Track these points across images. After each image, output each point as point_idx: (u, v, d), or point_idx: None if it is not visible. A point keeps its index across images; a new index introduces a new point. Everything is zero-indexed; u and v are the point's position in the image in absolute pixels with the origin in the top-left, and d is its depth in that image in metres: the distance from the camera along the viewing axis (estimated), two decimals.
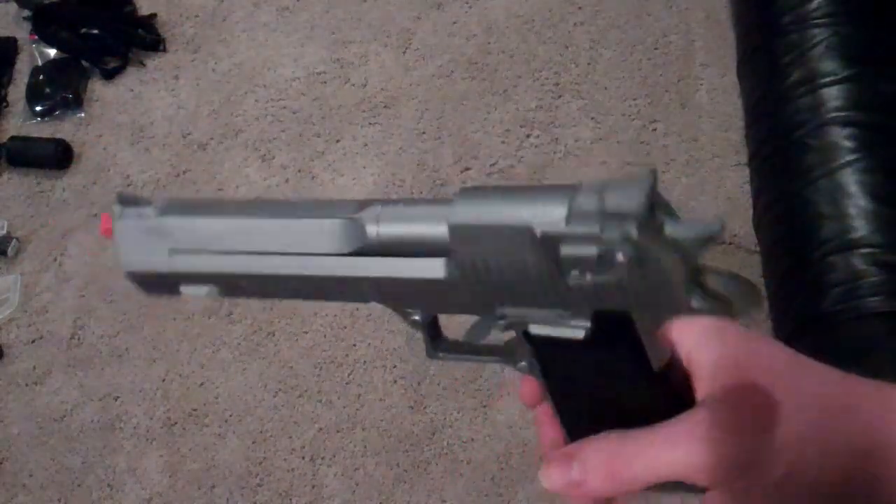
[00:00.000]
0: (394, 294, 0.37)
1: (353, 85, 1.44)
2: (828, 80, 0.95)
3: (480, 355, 0.40)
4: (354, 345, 1.26)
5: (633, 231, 0.30)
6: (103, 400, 1.28)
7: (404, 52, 1.45)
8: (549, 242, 0.31)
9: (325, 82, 1.45)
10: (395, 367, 1.24)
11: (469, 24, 1.45)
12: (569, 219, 0.31)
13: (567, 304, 0.33)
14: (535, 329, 0.35)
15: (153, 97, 1.48)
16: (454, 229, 0.33)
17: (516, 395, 1.22)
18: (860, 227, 0.87)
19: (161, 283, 0.40)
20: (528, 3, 1.45)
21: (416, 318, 0.39)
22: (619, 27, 1.41)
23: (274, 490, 1.20)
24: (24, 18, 1.54)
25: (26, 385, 1.30)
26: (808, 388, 0.33)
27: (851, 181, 0.90)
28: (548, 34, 1.42)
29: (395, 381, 1.23)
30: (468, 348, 0.40)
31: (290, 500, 1.19)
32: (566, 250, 0.31)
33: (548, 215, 0.31)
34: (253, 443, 1.23)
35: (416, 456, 1.19)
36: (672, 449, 0.32)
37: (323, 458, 1.21)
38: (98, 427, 1.26)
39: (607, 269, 0.31)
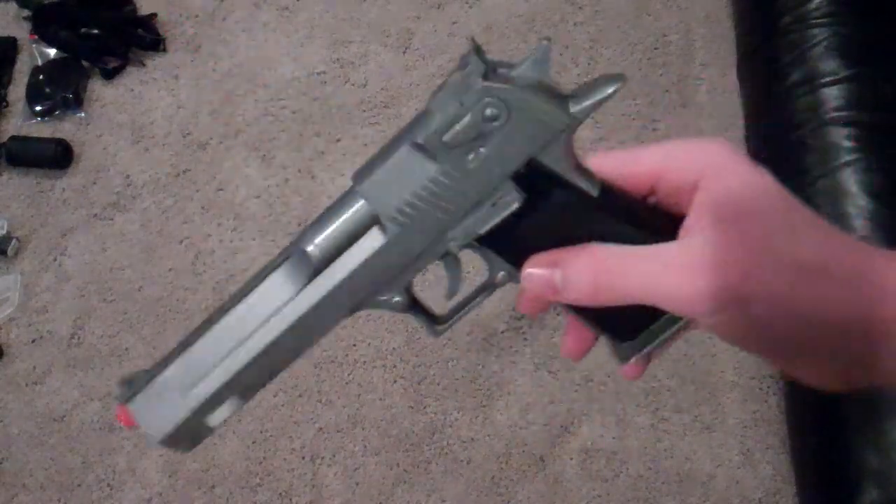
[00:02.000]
0: (365, 284, 0.39)
1: (353, 85, 1.44)
2: (828, 80, 0.95)
3: (472, 301, 0.43)
4: (354, 345, 1.26)
5: (479, 82, 0.34)
6: (103, 400, 1.28)
7: (404, 52, 1.45)
8: (432, 141, 0.35)
9: (325, 82, 1.45)
10: (395, 367, 1.24)
11: (469, 24, 1.45)
12: (431, 115, 0.35)
13: (487, 190, 0.37)
14: (484, 229, 0.38)
15: (153, 97, 1.48)
16: (367, 193, 0.37)
17: (516, 395, 1.23)
18: (860, 227, 0.87)
19: (191, 429, 0.42)
20: (528, 3, 1.45)
21: (398, 299, 0.41)
22: (619, 27, 1.41)
23: (274, 490, 1.20)
24: (24, 18, 1.54)
25: (26, 385, 1.30)
26: (796, 248, 0.33)
27: (851, 181, 0.90)
28: (548, 34, 1.42)
29: (395, 381, 1.23)
30: (458, 305, 0.43)
31: (290, 500, 1.19)
32: (448, 137, 0.35)
33: (417, 126, 0.36)
34: (253, 443, 1.23)
35: (416, 456, 1.19)
36: (662, 270, 0.33)
37: (323, 458, 1.21)
38: (98, 427, 1.27)
39: (488, 125, 0.35)
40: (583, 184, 0.37)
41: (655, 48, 1.39)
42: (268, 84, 1.46)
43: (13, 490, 1.25)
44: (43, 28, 1.51)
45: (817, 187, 0.92)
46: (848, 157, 0.91)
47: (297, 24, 1.50)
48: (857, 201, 0.89)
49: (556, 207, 0.37)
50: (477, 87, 0.34)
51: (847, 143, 0.91)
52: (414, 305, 0.42)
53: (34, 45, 1.52)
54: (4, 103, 1.50)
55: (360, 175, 0.37)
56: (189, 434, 0.42)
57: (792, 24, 1.00)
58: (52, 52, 1.52)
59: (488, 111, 0.35)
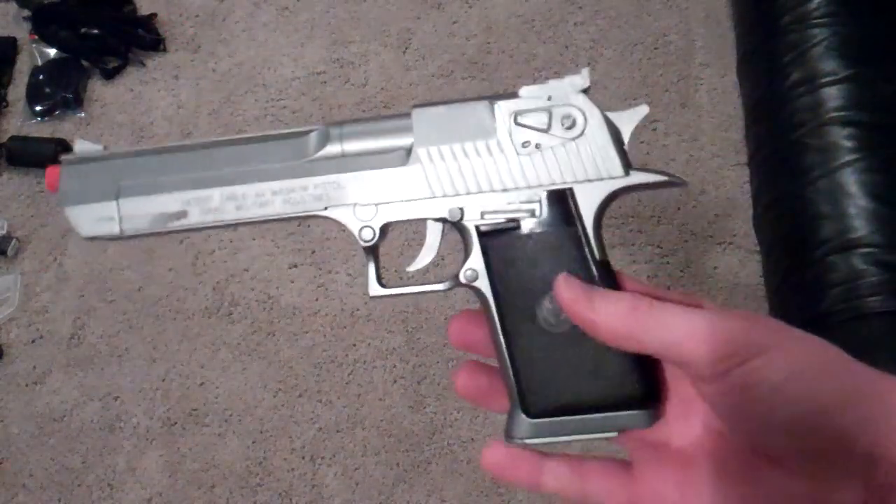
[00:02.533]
0: (357, 189, 0.39)
1: (353, 85, 1.44)
2: (828, 80, 0.95)
3: (424, 284, 0.43)
4: (354, 345, 1.26)
5: (577, 96, 0.37)
6: (103, 400, 1.28)
7: (404, 52, 1.45)
8: (504, 111, 0.37)
9: (325, 82, 1.45)
10: (394, 367, 1.24)
11: (469, 24, 1.45)
12: (517, 95, 0.37)
13: (519, 184, 0.38)
14: (488, 217, 0.38)
15: (153, 97, 1.48)
16: (418, 119, 0.38)
17: None
18: (860, 227, 0.87)
19: (103, 216, 0.41)
20: (528, 3, 1.45)
21: (370, 228, 0.40)
22: (619, 27, 1.41)
23: (274, 490, 1.20)
24: (24, 18, 1.54)
25: (26, 385, 1.30)
26: (814, 363, 0.33)
27: (851, 181, 0.90)
28: (548, 34, 1.42)
29: (395, 381, 1.23)
30: (411, 280, 0.43)
31: (290, 500, 1.19)
32: (521, 117, 0.37)
33: (499, 97, 0.38)
34: (253, 443, 1.23)
35: (416, 456, 1.19)
36: (687, 319, 0.33)
37: (323, 458, 1.21)
38: (98, 427, 1.27)
39: (558, 129, 0.37)
40: (594, 245, 0.37)
41: (655, 48, 1.39)
42: (268, 84, 1.46)
43: (13, 490, 1.25)
44: (43, 28, 1.51)
45: (817, 187, 0.92)
46: (848, 157, 0.91)
47: (297, 24, 1.50)
48: (857, 201, 0.89)
49: (555, 248, 0.37)
50: (573, 93, 0.37)
51: (847, 143, 0.91)
52: (374, 250, 0.42)
53: (34, 45, 1.52)
54: (4, 103, 1.50)
55: (422, 105, 0.38)
56: (97, 216, 0.41)
57: (792, 24, 1.00)
58: (52, 52, 1.52)
59: (568, 117, 0.37)
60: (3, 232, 1.38)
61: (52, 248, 1.39)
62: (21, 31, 1.55)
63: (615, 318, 0.35)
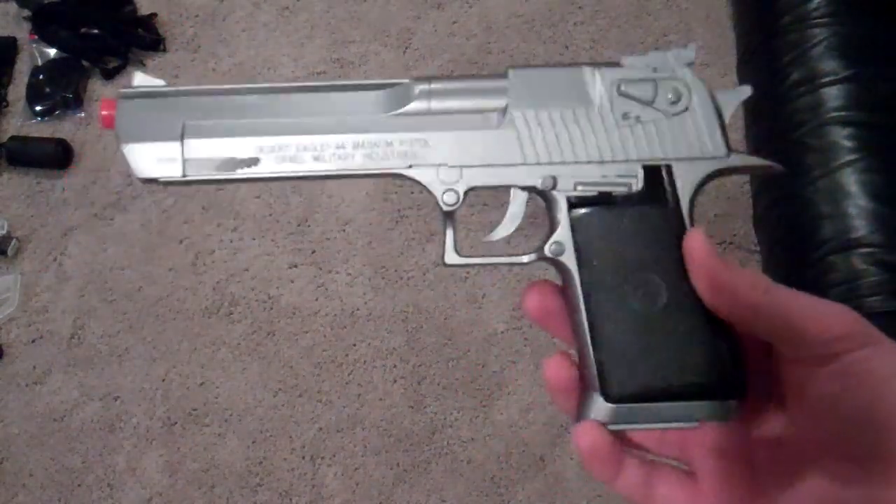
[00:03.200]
0: (446, 148, 0.37)
1: None
2: (828, 80, 0.95)
3: (502, 256, 0.41)
4: (354, 345, 1.26)
5: (683, 69, 0.36)
6: (103, 400, 1.28)
7: (404, 52, 1.45)
8: (608, 79, 0.36)
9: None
10: (395, 367, 1.24)
11: (469, 24, 1.45)
12: (620, 65, 0.36)
13: (616, 155, 0.36)
14: (581, 189, 0.37)
15: None
16: (515, 80, 0.37)
17: (516, 395, 1.23)
18: (860, 227, 0.87)
19: (167, 154, 0.39)
20: (528, 3, 1.45)
21: (452, 191, 0.38)
22: (619, 27, 1.41)
23: (274, 490, 1.20)
24: (24, 18, 1.54)
25: (26, 385, 1.30)
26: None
27: (851, 181, 0.90)
28: (548, 34, 1.42)
29: (395, 381, 1.23)
30: (488, 251, 0.41)
31: (290, 500, 1.19)
32: (624, 86, 0.36)
33: (602, 64, 0.36)
34: (253, 443, 1.23)
35: (416, 456, 1.19)
36: (807, 297, 0.34)
37: (323, 458, 1.21)
38: (98, 427, 1.26)
39: (662, 103, 0.35)
40: (688, 225, 0.36)
41: (655, 48, 1.38)
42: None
43: (13, 490, 1.25)
44: (43, 28, 1.50)
45: (817, 187, 0.92)
46: (848, 157, 0.91)
47: (297, 24, 1.50)
48: (857, 201, 0.89)
49: (647, 227, 0.36)
50: (679, 66, 0.37)
51: (847, 143, 0.91)
52: (453, 215, 0.39)
53: (34, 45, 1.52)
54: (4, 103, 1.50)
55: (520, 67, 0.37)
56: (157, 155, 0.38)
57: (792, 24, 1.00)
58: (52, 52, 1.52)
59: (674, 92, 0.36)
60: (3, 232, 1.38)
61: (52, 248, 1.39)
62: (21, 31, 1.55)
63: (748, 285, 0.34)
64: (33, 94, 1.48)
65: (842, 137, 0.92)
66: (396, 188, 1.34)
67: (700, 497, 0.37)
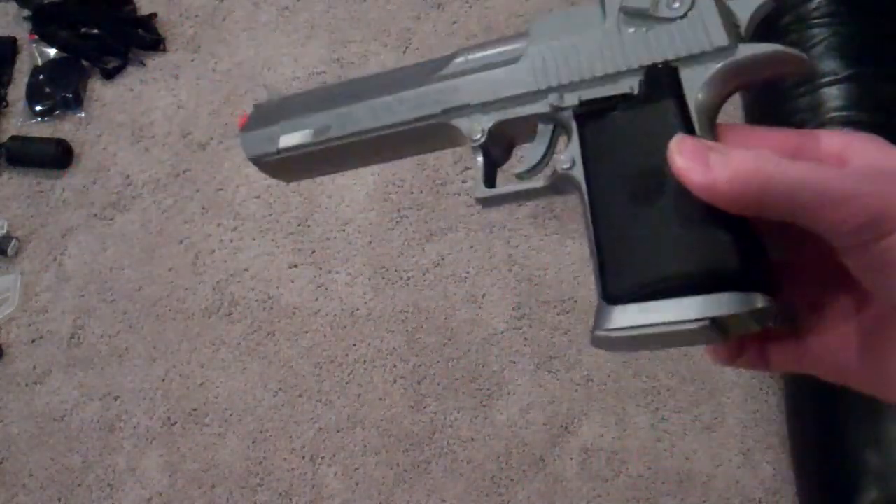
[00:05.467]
0: (466, 93, 0.41)
1: None
2: (828, 80, 0.95)
3: (530, 186, 0.41)
4: (354, 345, 1.26)
5: None
6: (103, 400, 1.28)
7: (404, 52, 1.45)
8: (615, 4, 0.37)
9: (326, 82, 1.45)
10: (395, 367, 1.24)
11: (469, 24, 1.45)
12: None
13: (619, 66, 0.37)
14: (587, 94, 0.38)
15: (153, 97, 1.48)
16: (535, 25, 0.40)
17: (516, 395, 1.23)
18: None
19: (266, 141, 0.46)
20: (529, 3, 1.45)
21: (483, 127, 0.41)
22: None
23: (274, 490, 1.20)
24: (24, 18, 1.54)
25: (26, 385, 1.30)
26: None
27: None
28: None
29: (395, 381, 1.23)
30: (517, 184, 0.42)
31: (290, 500, 1.19)
32: (626, 3, 0.37)
33: None
34: (253, 443, 1.23)
35: (416, 456, 1.19)
36: (822, 180, 0.30)
37: (323, 458, 1.21)
38: (98, 427, 1.27)
39: (664, 9, 0.36)
40: (698, 126, 0.35)
41: None
42: (268, 84, 1.46)
43: (13, 490, 1.25)
44: (43, 28, 1.51)
45: None
46: None
47: (297, 24, 1.50)
48: None
49: (656, 128, 0.35)
50: None
51: None
52: (487, 150, 0.41)
53: (34, 45, 1.52)
54: (4, 103, 1.50)
55: (539, 18, 0.40)
56: (264, 146, 0.46)
57: (792, 24, 1.00)
58: (52, 52, 1.52)
59: None
60: (3, 232, 1.39)
61: (52, 248, 1.39)
62: (21, 31, 1.55)
63: (737, 177, 0.30)
64: (33, 94, 1.49)
65: None
66: (397, 188, 1.34)
67: (804, 346, 0.35)
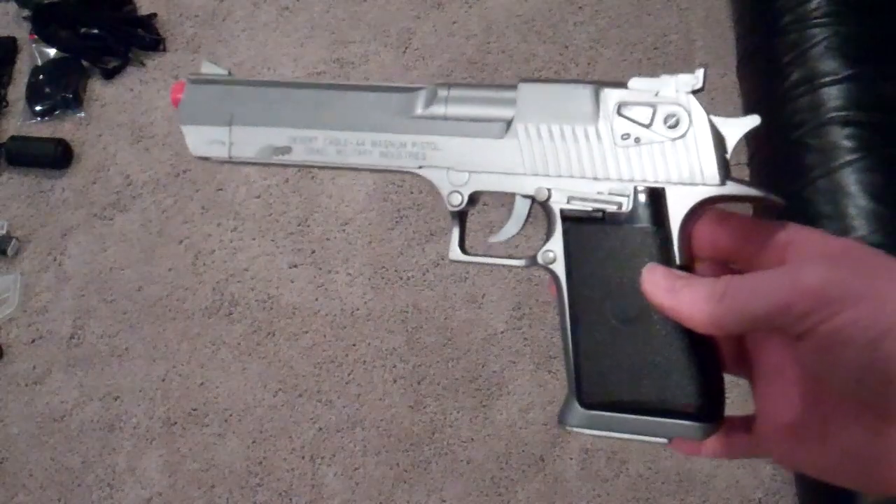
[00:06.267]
0: (455, 153, 0.40)
1: None
2: (828, 80, 0.95)
3: (502, 258, 0.43)
4: (354, 345, 1.26)
5: (685, 96, 0.36)
6: (103, 400, 1.28)
7: (404, 52, 1.45)
8: (609, 100, 0.37)
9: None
10: (395, 367, 1.24)
11: (469, 24, 1.45)
12: (625, 86, 0.37)
13: (610, 174, 0.37)
14: (574, 204, 0.38)
15: (153, 97, 1.48)
16: (523, 94, 0.38)
17: (516, 395, 1.23)
18: (860, 227, 0.87)
19: (214, 139, 0.44)
20: (528, 3, 1.45)
21: (461, 193, 0.41)
22: (619, 27, 1.41)
23: (274, 490, 1.20)
24: (24, 18, 1.54)
25: (26, 385, 1.30)
26: None
27: (851, 181, 0.90)
28: (548, 34, 1.42)
29: (395, 381, 1.23)
30: (490, 251, 0.43)
31: (290, 500, 1.19)
32: (624, 109, 0.37)
33: (607, 84, 0.38)
34: (253, 443, 1.23)
35: (416, 456, 1.19)
36: (769, 284, 0.32)
37: (323, 458, 1.21)
38: (98, 427, 1.27)
39: (660, 128, 0.36)
40: (677, 248, 0.37)
41: (655, 48, 1.39)
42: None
43: (13, 490, 1.25)
44: (43, 28, 1.51)
45: (817, 187, 0.92)
46: (848, 157, 0.91)
47: (297, 24, 1.50)
48: (857, 201, 0.89)
49: (636, 248, 0.37)
50: (682, 92, 0.36)
51: (847, 143, 0.91)
52: (462, 215, 0.42)
53: (34, 45, 1.52)
54: (4, 103, 1.50)
55: (530, 80, 0.39)
56: (208, 139, 0.44)
57: (792, 24, 1.00)
58: (52, 52, 1.52)
59: (673, 116, 0.36)
60: (3, 232, 1.38)
61: (52, 248, 1.39)
62: (21, 31, 1.55)
63: (697, 305, 0.34)
64: (33, 94, 1.49)
65: (842, 137, 0.92)
66: (396, 188, 1.34)
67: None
